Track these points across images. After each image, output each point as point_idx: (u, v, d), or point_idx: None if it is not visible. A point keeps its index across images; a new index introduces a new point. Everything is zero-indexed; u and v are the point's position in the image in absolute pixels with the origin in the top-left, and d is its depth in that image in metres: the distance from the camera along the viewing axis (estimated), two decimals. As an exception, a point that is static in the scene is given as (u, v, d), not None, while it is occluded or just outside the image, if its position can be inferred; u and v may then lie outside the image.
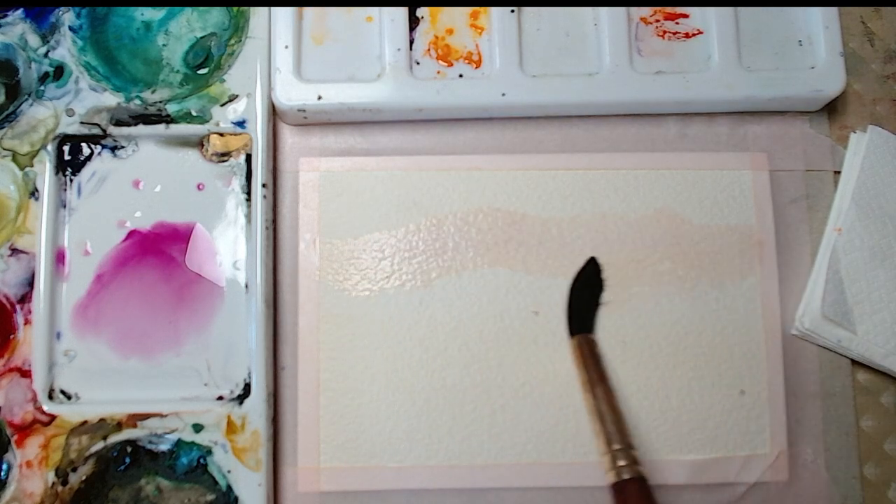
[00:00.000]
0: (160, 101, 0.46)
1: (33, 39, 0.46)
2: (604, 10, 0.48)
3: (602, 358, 0.45)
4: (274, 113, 0.47)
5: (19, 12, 0.47)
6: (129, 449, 0.44)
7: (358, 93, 0.46)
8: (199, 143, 0.46)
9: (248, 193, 0.46)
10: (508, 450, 0.45)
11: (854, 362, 0.47)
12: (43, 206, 0.45)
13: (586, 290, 0.46)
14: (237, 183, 0.46)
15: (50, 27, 0.47)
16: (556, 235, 0.47)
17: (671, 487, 0.45)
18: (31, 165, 0.45)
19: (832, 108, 0.49)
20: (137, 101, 0.46)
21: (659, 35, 0.48)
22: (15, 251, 0.45)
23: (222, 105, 0.46)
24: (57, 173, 0.46)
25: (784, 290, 0.47)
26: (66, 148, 0.46)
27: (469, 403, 0.45)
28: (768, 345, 0.46)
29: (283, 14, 0.47)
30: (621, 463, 0.39)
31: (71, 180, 0.46)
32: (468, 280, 0.47)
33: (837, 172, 0.48)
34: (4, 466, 0.43)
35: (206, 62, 0.47)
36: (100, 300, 0.45)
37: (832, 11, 0.48)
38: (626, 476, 0.39)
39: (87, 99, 0.46)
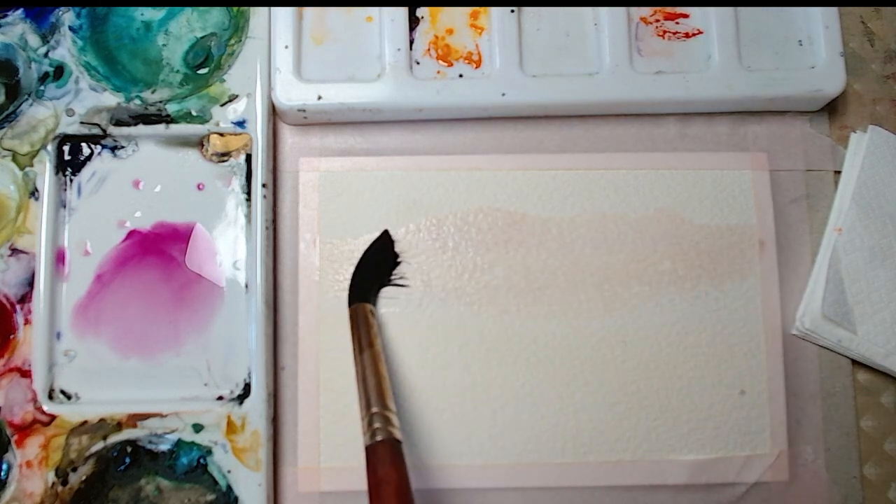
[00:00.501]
0: (160, 101, 0.46)
1: (33, 39, 0.46)
2: (604, 10, 0.48)
3: (376, 327, 0.44)
4: (274, 113, 0.47)
5: (19, 12, 0.47)
6: (129, 449, 0.44)
7: (358, 93, 0.46)
8: (199, 143, 0.46)
9: (248, 193, 0.46)
10: (508, 450, 0.45)
11: (854, 362, 0.47)
12: (43, 206, 0.45)
13: (372, 263, 0.46)
14: (237, 183, 0.46)
15: (50, 27, 0.47)
16: (556, 235, 0.47)
17: (671, 487, 0.45)
18: (31, 165, 0.45)
19: (832, 108, 0.49)
20: (137, 101, 0.46)
21: (659, 35, 0.48)
22: (15, 251, 0.45)
23: (222, 105, 0.46)
24: (57, 173, 0.46)
25: (784, 290, 0.47)
26: (66, 148, 0.46)
27: (469, 403, 0.45)
28: (768, 345, 0.46)
29: (283, 14, 0.47)
30: (376, 425, 0.38)
31: (71, 180, 0.46)
32: (468, 280, 0.47)
33: (838, 172, 0.48)
34: (4, 466, 0.43)
35: (206, 62, 0.47)
36: (100, 300, 0.45)
37: (832, 11, 0.48)
38: (378, 438, 0.38)
39: (87, 99, 0.46)
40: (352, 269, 0.46)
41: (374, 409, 0.39)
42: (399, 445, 0.38)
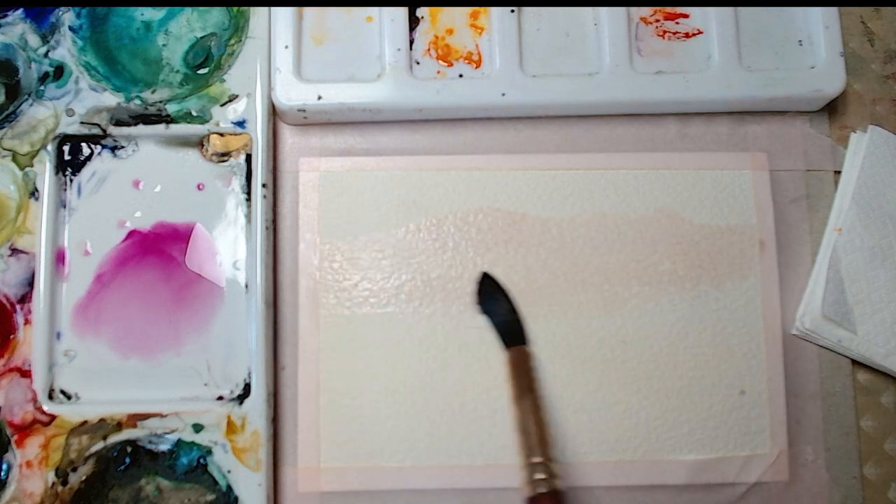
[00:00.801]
0: (160, 101, 0.46)
1: (33, 39, 0.46)
2: (604, 10, 0.48)
3: (534, 369, 0.44)
4: (274, 113, 0.47)
5: (19, 12, 0.47)
6: (129, 449, 0.44)
7: (358, 93, 0.46)
8: (199, 143, 0.46)
9: (248, 193, 0.46)
10: (508, 450, 0.45)
11: (854, 362, 0.47)
12: (43, 206, 0.45)
13: (501, 303, 0.46)
14: (237, 183, 0.46)
15: (50, 27, 0.47)
16: (556, 235, 0.47)
17: (671, 487, 0.45)
18: (31, 165, 0.45)
19: (832, 108, 0.49)
20: (137, 101, 0.46)
21: (659, 35, 0.48)
22: (15, 251, 0.45)
23: (222, 105, 0.46)
24: (57, 173, 0.46)
25: (784, 290, 0.47)
26: (66, 148, 0.46)
27: (469, 403, 0.45)
28: (768, 345, 0.46)
29: (283, 14, 0.47)
30: (538, 476, 0.38)
31: (71, 180, 0.46)
32: (468, 280, 0.46)
33: (837, 172, 0.48)
34: (4, 466, 0.43)
35: (206, 62, 0.47)
36: (100, 300, 0.45)
37: (832, 11, 0.48)
38: (541, 490, 0.37)
39: (87, 99, 0.46)
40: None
41: (536, 459, 0.39)
42: (563, 497, 0.38)
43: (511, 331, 0.45)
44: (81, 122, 0.46)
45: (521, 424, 0.41)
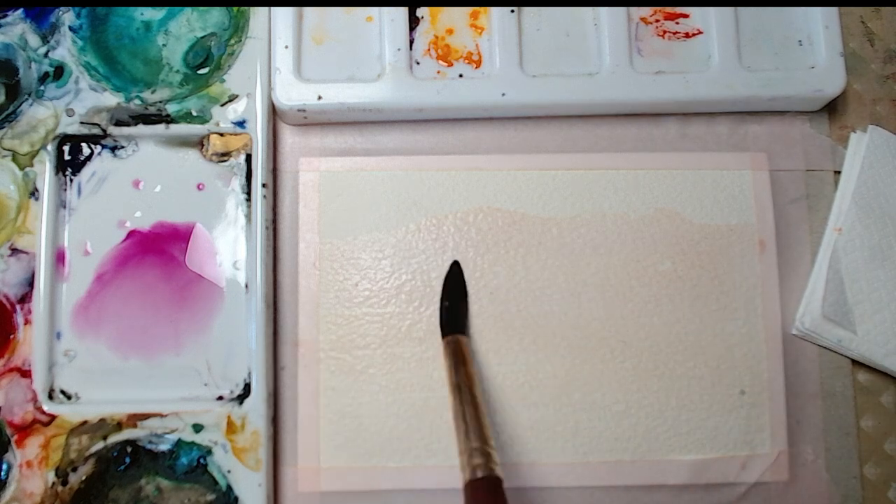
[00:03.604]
0: (160, 101, 0.46)
1: (33, 39, 0.46)
2: (604, 10, 0.48)
3: (471, 358, 0.44)
4: (274, 113, 0.47)
5: (19, 12, 0.47)
6: (129, 449, 0.44)
7: (358, 93, 0.46)
8: (199, 143, 0.46)
9: (248, 193, 0.46)
10: (508, 450, 0.45)
11: (854, 362, 0.47)
12: (43, 206, 0.45)
13: (454, 293, 0.46)
14: (237, 183, 0.46)
15: (50, 27, 0.47)
16: (556, 235, 0.47)
17: (671, 487, 0.45)
18: (31, 165, 0.45)
19: (832, 108, 0.49)
20: (137, 101, 0.46)
21: (659, 35, 0.48)
22: (15, 251, 0.45)
23: (222, 105, 0.46)
24: (57, 173, 0.46)
25: (784, 290, 0.47)
26: (66, 148, 0.46)
27: (469, 403, 0.45)
28: (768, 345, 0.46)
29: (283, 14, 0.47)
30: (476, 461, 0.37)
31: (71, 180, 0.46)
32: (468, 280, 0.46)
33: (837, 172, 0.48)
34: (4, 466, 0.43)
35: (206, 62, 0.47)
36: (100, 300, 0.45)
37: (832, 11, 0.48)
38: (479, 474, 0.37)
39: (87, 99, 0.46)
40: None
41: (474, 444, 0.38)
42: (500, 483, 0.37)
43: (451, 320, 0.45)
44: (81, 122, 0.46)
45: (460, 411, 0.40)
